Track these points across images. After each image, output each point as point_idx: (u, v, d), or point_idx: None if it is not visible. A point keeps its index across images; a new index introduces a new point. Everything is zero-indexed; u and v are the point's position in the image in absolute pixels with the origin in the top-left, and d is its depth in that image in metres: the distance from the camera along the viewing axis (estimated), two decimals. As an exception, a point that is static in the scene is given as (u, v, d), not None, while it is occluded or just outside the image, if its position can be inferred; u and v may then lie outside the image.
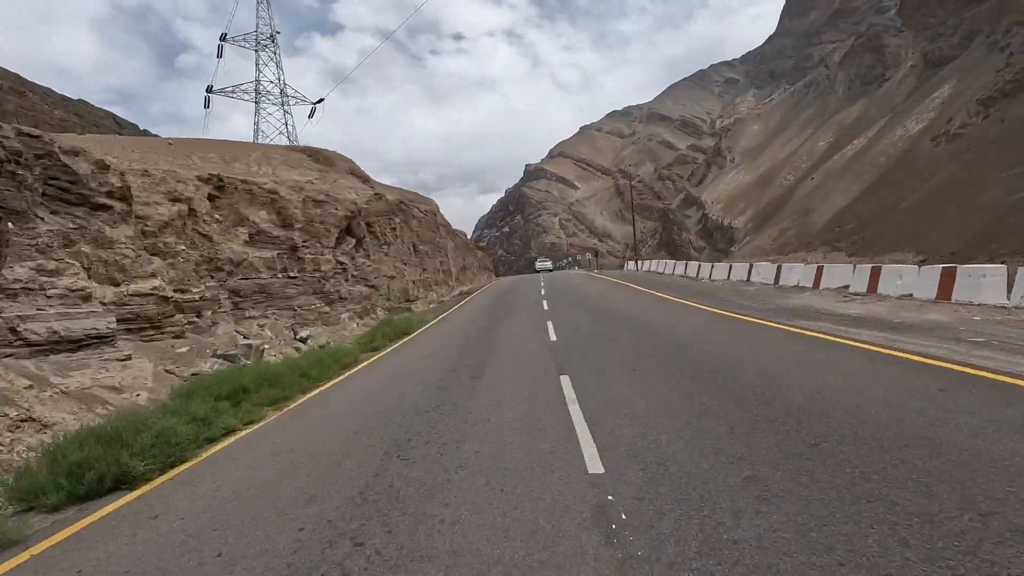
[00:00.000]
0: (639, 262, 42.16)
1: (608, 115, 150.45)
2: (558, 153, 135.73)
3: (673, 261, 34.63)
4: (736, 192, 68.11)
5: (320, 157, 24.71)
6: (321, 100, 58.30)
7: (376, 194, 25.23)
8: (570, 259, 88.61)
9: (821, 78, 78.18)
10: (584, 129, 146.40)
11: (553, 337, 11.08)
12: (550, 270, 57.69)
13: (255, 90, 49.36)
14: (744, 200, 63.83)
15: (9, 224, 7.63)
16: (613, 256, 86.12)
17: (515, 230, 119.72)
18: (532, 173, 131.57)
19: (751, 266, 22.50)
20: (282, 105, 49.44)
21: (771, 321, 10.28)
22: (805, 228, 45.85)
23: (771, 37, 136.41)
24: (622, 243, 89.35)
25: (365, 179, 28.13)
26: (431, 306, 25.76)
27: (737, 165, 77.11)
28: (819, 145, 61.38)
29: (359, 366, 11.56)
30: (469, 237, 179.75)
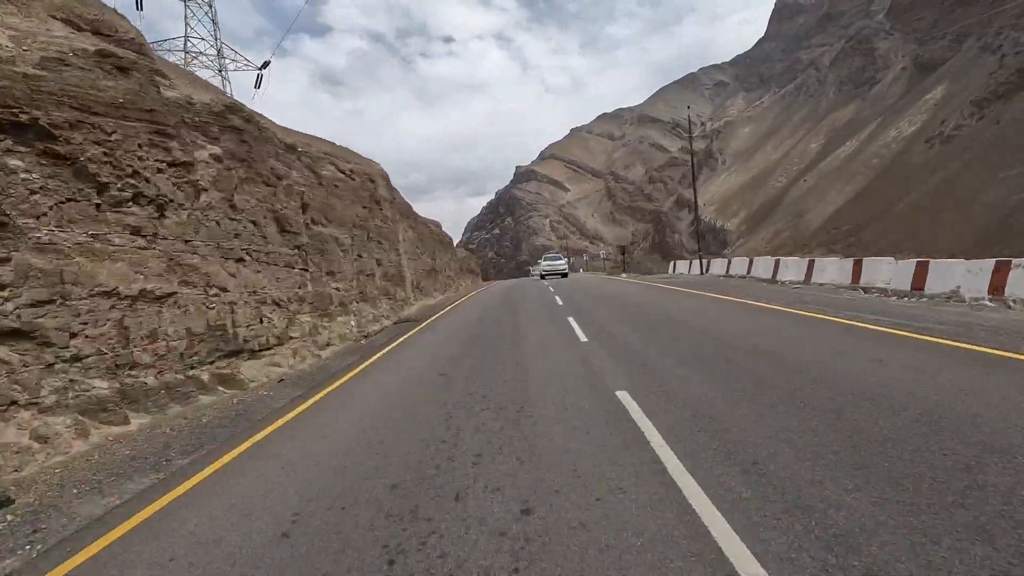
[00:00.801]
0: (704, 260, 30.85)
1: (599, 117, 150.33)
2: (549, 155, 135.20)
3: (772, 259, 21.12)
4: (728, 194, 67.76)
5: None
6: (267, 64, 47.72)
7: (102, 53, 8.04)
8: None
9: (812, 80, 78.26)
10: (575, 131, 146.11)
11: None
12: (564, 274, 38.46)
13: (183, 49, 41.89)
14: (737, 202, 63.44)
15: None
16: (606, 259, 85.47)
17: (505, 232, 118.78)
18: (523, 175, 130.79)
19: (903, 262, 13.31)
20: (219, 71, 42.71)
21: None
22: (799, 230, 45.36)
23: (760, 41, 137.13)
24: (613, 245, 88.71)
25: (114, 38, 9.19)
26: (325, 356, 11.07)
27: (729, 167, 76.87)
28: (811, 147, 61.17)
29: None
30: (459, 239, 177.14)
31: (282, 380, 8.74)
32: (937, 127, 42.37)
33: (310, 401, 6.87)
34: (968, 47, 51.42)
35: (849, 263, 15.33)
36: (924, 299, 11.14)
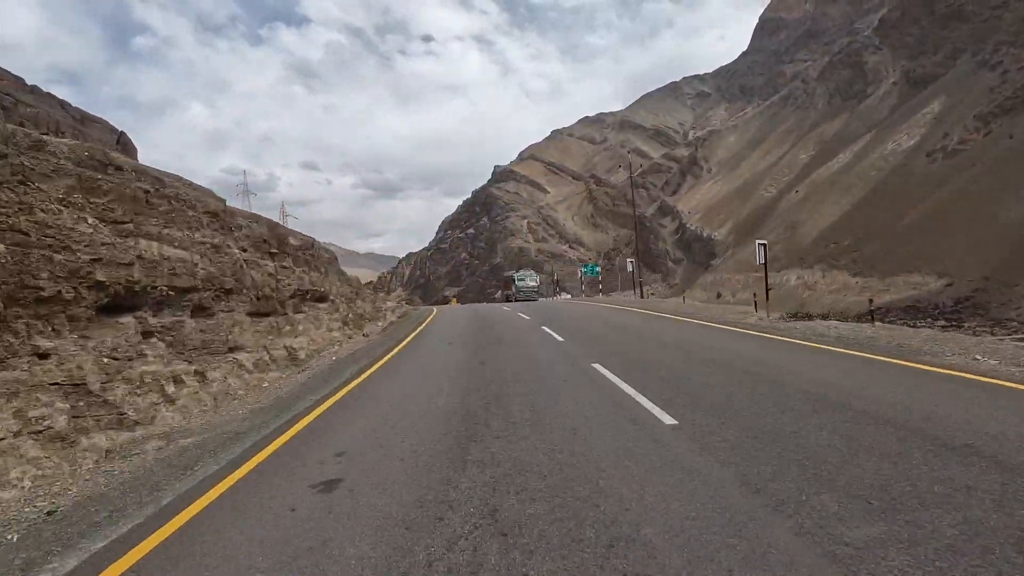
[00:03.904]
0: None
1: (580, 120, 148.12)
2: (528, 156, 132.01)
3: None
4: (714, 202, 65.61)
5: None
6: None
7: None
8: (557, 282, 48.76)
9: (798, 92, 77.23)
10: (555, 133, 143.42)
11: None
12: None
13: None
14: (723, 211, 61.23)
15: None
16: (583, 263, 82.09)
17: (480, 232, 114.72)
18: (500, 175, 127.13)
19: None
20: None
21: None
22: (794, 242, 42.97)
23: (743, 54, 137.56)
24: (594, 251, 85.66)
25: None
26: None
27: (714, 175, 74.98)
28: (800, 158, 59.45)
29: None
30: (432, 238, 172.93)
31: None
32: (939, 141, 40.61)
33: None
34: (963, 62, 50.34)
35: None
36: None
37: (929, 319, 22.77)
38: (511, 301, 37.39)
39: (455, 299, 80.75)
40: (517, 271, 41.73)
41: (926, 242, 30.31)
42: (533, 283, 34.78)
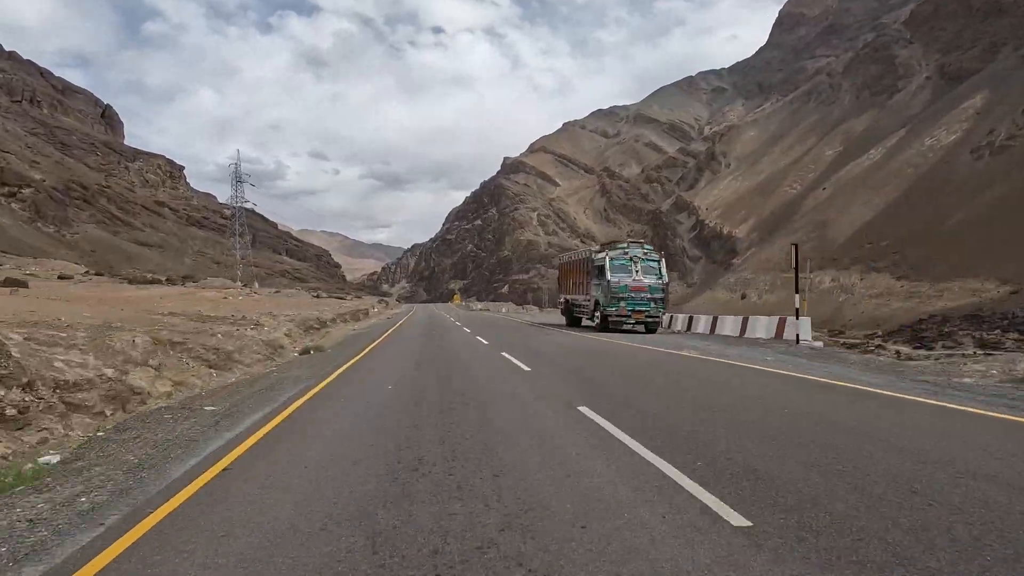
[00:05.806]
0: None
1: (592, 113, 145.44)
2: (539, 147, 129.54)
3: None
4: (734, 199, 63.28)
5: None
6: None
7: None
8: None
9: (823, 87, 74.54)
10: (567, 125, 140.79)
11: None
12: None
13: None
14: (744, 208, 58.94)
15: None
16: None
17: (488, 224, 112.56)
18: (510, 166, 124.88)
19: None
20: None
21: None
22: (824, 242, 40.72)
23: (760, 50, 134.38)
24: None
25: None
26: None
27: (733, 171, 72.56)
28: (826, 154, 57.02)
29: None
30: (438, 230, 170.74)
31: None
32: (984, 137, 38.22)
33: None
34: (1005, 56, 47.77)
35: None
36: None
37: (998, 330, 20.45)
38: (586, 320, 18.35)
39: (457, 295, 78.98)
40: (606, 248, 17.56)
41: (980, 244, 28.09)
42: (654, 278, 15.99)
